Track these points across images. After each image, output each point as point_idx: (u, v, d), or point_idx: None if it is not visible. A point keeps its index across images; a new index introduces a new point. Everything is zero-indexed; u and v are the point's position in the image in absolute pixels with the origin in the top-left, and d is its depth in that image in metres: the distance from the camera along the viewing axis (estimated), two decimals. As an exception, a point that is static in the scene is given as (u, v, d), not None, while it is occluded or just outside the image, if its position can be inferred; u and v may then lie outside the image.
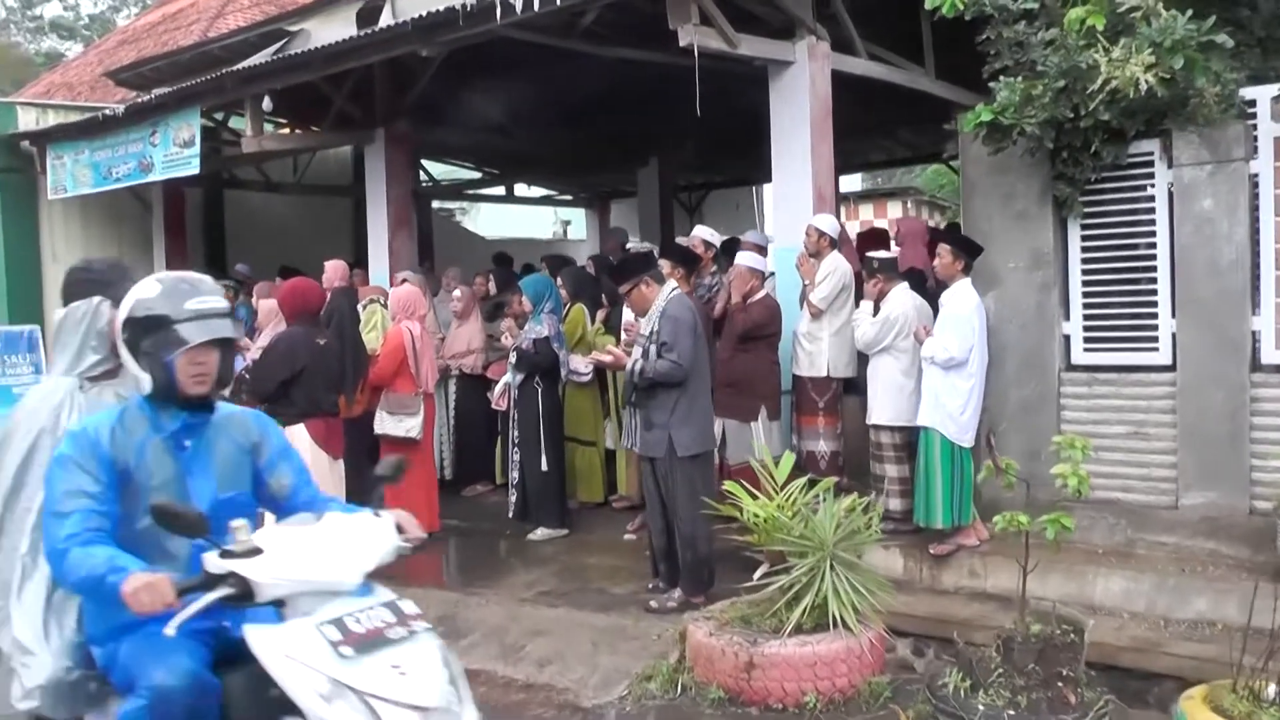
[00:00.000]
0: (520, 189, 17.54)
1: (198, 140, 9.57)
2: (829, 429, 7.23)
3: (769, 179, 18.64)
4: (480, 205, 20.48)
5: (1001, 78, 6.40)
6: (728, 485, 5.15)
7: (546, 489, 7.38)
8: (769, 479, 5.25)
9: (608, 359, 5.72)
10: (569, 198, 18.61)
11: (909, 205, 21.75)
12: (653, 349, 5.65)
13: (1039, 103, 6.13)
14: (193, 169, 9.64)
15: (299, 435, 6.43)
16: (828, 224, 7.25)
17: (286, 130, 11.31)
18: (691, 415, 5.69)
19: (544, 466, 7.30)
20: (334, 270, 9.33)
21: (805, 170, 7.48)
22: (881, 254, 6.93)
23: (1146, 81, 5.67)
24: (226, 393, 3.30)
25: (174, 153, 9.83)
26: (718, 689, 4.71)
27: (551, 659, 5.20)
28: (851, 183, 24.24)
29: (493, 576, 6.59)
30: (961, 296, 6.39)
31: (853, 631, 4.78)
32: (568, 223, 21.20)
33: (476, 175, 16.39)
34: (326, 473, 6.59)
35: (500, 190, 17.10)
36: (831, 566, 4.87)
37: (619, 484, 7.95)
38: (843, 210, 24.03)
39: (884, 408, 6.80)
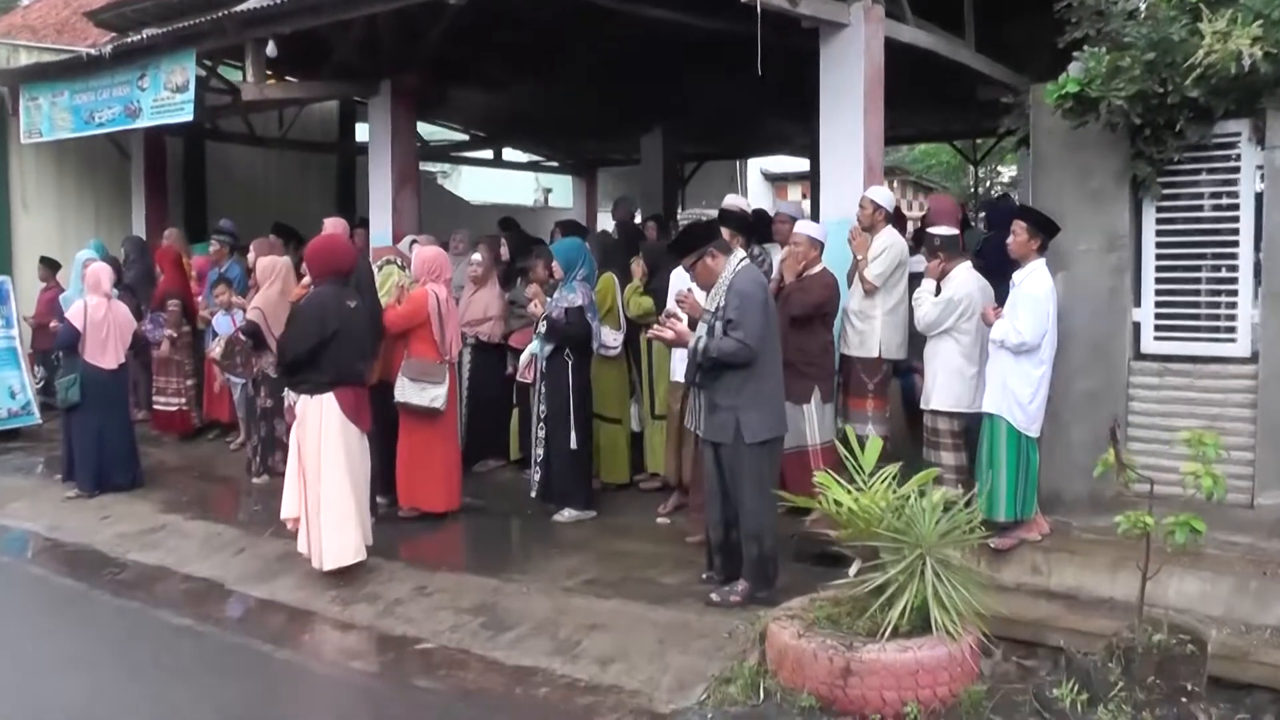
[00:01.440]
0: (506, 154, 16.99)
1: (192, 85, 8.97)
2: (878, 413, 6.87)
3: (769, 152, 18.40)
4: (461, 169, 19.87)
5: (1085, 48, 6.07)
6: (819, 477, 4.74)
7: (574, 469, 6.95)
8: (855, 466, 4.87)
9: (669, 335, 5.29)
10: (555, 164, 18.08)
11: (894, 185, 21.49)
12: (718, 326, 5.23)
13: (1127, 75, 5.78)
14: (186, 115, 9.04)
15: (328, 407, 5.96)
16: (883, 196, 6.87)
17: (272, 80, 10.74)
18: (761, 398, 5.28)
19: (573, 444, 6.87)
20: (333, 228, 8.81)
21: (856, 139, 7.11)
22: (943, 230, 6.55)
23: (1251, 56, 5.34)
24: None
25: (165, 98, 9.21)
26: (808, 696, 4.33)
27: (614, 656, 4.79)
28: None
29: (526, 562, 6.16)
30: (1036, 277, 6.04)
31: (954, 636, 4.43)
32: (549, 190, 20.67)
33: (464, 138, 15.81)
34: (355, 448, 6.11)
35: (487, 154, 16.55)
36: (927, 564, 4.50)
37: (645, 463, 7.53)
38: (799, 189, 24.04)
39: (944, 393, 6.44)
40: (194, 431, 9.82)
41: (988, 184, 20.55)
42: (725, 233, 6.06)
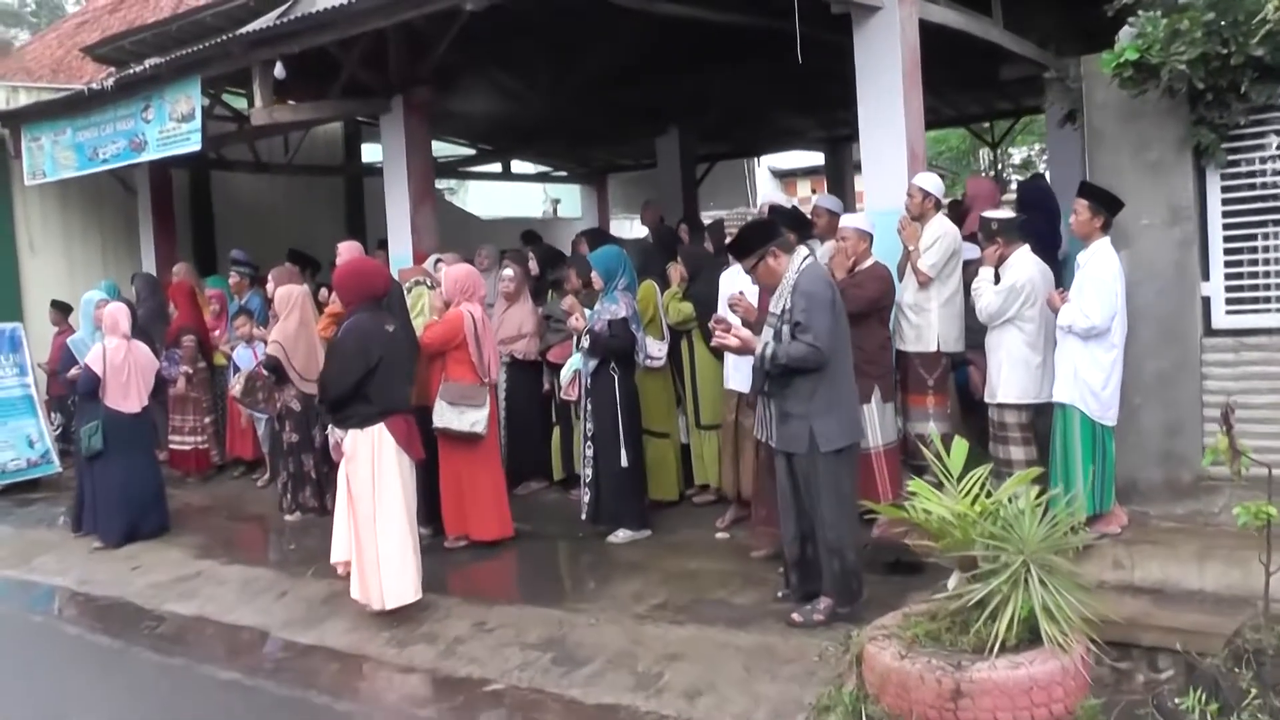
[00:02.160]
0: (514, 166, 16.73)
1: (199, 113, 8.69)
2: (939, 409, 6.56)
3: (782, 148, 18.09)
4: (468, 184, 19.60)
5: (1140, 13, 5.78)
6: (914, 485, 4.44)
7: (626, 487, 6.65)
8: (941, 469, 4.57)
9: (733, 342, 4.99)
10: (564, 174, 17.80)
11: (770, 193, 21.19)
12: (785, 329, 4.93)
13: (1188, 38, 5.49)
14: (193, 145, 8.76)
15: (381, 439, 5.65)
16: (932, 184, 6.56)
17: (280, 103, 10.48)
18: (835, 403, 4.98)
19: (623, 462, 6.57)
20: (349, 252, 8.54)
21: (898, 125, 6.80)
22: (1000, 214, 6.25)
23: (1322, 8, 5.04)
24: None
25: (171, 129, 8.94)
26: (916, 721, 4.03)
27: (701, 689, 4.48)
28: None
29: (588, 589, 5.86)
30: (1102, 257, 5.74)
31: (1064, 648, 4.11)
32: (557, 201, 20.39)
33: (470, 152, 15.54)
34: (409, 479, 5.83)
35: (495, 168, 16.28)
36: (1031, 572, 4.20)
37: (695, 476, 7.22)
38: (808, 185, 23.80)
39: (1010, 384, 6.14)
40: (213, 470, 9.54)
41: (998, 166, 20.21)
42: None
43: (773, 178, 23.13)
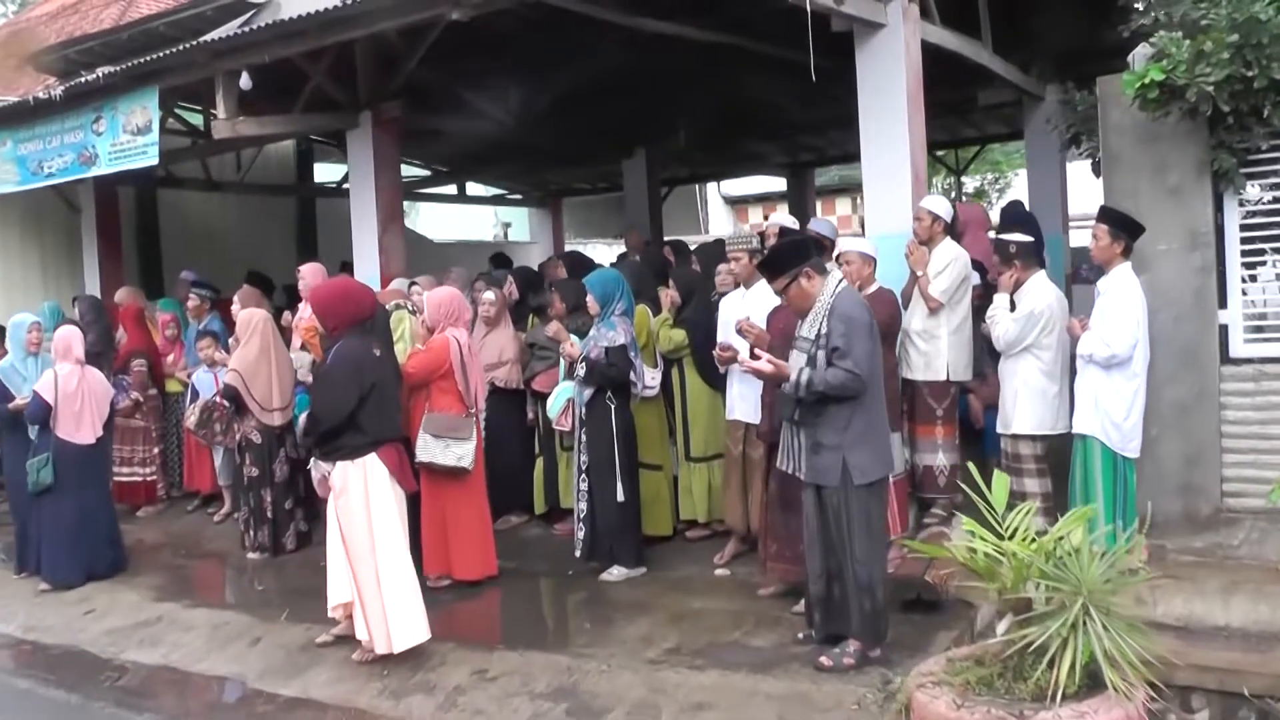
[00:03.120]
0: (469, 189, 16.36)
1: (155, 126, 8.19)
2: (948, 440, 6.35)
3: (746, 172, 17.91)
4: (419, 206, 19.15)
5: (1161, 33, 5.64)
6: (966, 524, 4.17)
7: (622, 522, 6.30)
8: (986, 506, 4.31)
9: (767, 368, 4.69)
10: (518, 197, 17.46)
11: (858, 202, 21.13)
12: (820, 355, 4.65)
13: (1214, 59, 5.35)
14: (150, 159, 8.26)
15: (374, 470, 5.26)
16: (942, 207, 6.37)
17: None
18: (869, 434, 4.72)
19: (619, 496, 6.22)
20: (314, 275, 8.13)
21: (902, 145, 6.60)
22: (1017, 237, 6.06)
23: (1350, 32, 4.93)
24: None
25: (124, 141, 8.43)
26: (979, 777, 3.73)
27: (736, 743, 4.15)
28: (779, 183, 23.60)
29: (590, 632, 5.49)
30: (1123, 284, 5.57)
31: (1126, 695, 3.86)
32: (508, 224, 20.01)
33: (425, 173, 15.13)
34: (403, 510, 5.45)
35: (450, 189, 15.90)
36: (1091, 614, 3.94)
37: (683, 511, 6.88)
38: (760, 211, 23.67)
39: (1026, 415, 5.94)
40: (162, 503, 8.99)
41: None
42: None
43: (725, 204, 22.97)
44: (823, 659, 4.72)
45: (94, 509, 7.13)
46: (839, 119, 13.06)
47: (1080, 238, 8.81)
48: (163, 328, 9.19)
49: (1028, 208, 9.38)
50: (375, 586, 5.24)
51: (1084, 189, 11.59)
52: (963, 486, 5.80)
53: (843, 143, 14.74)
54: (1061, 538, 4.16)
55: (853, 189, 21.83)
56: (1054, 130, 7.13)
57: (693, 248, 8.67)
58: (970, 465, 5.19)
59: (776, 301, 6.06)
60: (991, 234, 7.09)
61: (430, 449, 6.17)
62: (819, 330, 4.68)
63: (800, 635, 5.09)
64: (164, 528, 8.54)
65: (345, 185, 14.00)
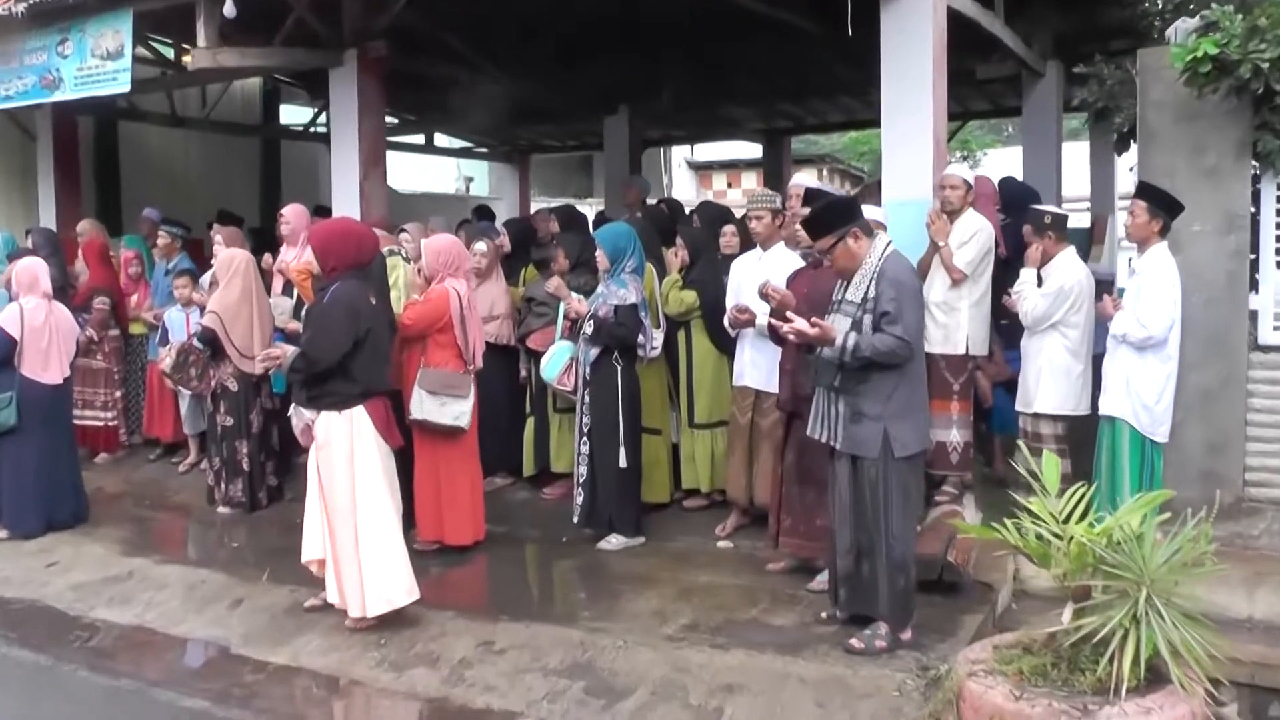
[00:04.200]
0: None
1: (128, 51, 7.69)
2: (962, 416, 6.17)
3: (724, 137, 17.59)
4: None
5: (1214, 5, 5.46)
6: (1036, 505, 3.97)
7: (623, 489, 6.05)
8: (1038, 486, 4.12)
9: (812, 331, 4.42)
10: (484, 151, 16.98)
11: (824, 173, 20.94)
12: (867, 320, 4.41)
13: (1270, 35, 5.18)
14: (121, 86, 7.74)
15: (360, 423, 4.95)
16: (970, 176, 6.15)
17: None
18: (911, 405, 4.51)
19: (622, 462, 5.96)
20: (298, 217, 7.76)
21: (925, 112, 6.32)
22: (1051, 209, 5.86)
23: None
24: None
25: (93, 66, 7.90)
26: (1036, 772, 3.55)
27: (773, 728, 3.93)
28: (750, 149, 23.34)
29: (598, 604, 5.21)
30: (1160, 263, 5.41)
31: (1189, 690, 3.70)
32: (470, 179, 19.49)
33: (393, 121, 14.58)
34: (390, 466, 5.15)
35: (418, 139, 15.40)
36: (1154, 604, 3.77)
37: (684, 479, 6.63)
38: (724, 178, 23.46)
39: (1049, 393, 5.78)
40: (123, 450, 8.54)
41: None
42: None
43: (690, 169, 22.64)
44: (853, 641, 4.51)
45: (57, 454, 6.70)
46: (823, 86, 12.88)
47: (1076, 220, 8.68)
48: (125, 265, 8.69)
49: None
50: (353, 546, 4.96)
51: (1077, 170, 11.58)
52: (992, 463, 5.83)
53: (823, 111, 14.53)
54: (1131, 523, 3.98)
55: (818, 160, 21.68)
56: (1090, 103, 6.91)
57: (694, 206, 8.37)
58: (1021, 444, 5.03)
59: (794, 265, 5.85)
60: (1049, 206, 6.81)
61: (426, 406, 5.85)
62: (865, 293, 4.44)
63: (824, 615, 4.87)
64: (124, 476, 8.10)
65: (313, 128, 13.57)
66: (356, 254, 5.13)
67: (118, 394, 8.41)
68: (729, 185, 22.65)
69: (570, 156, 20.66)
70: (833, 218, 4.52)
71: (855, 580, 4.68)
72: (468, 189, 19.39)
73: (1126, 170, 15.33)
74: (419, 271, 6.16)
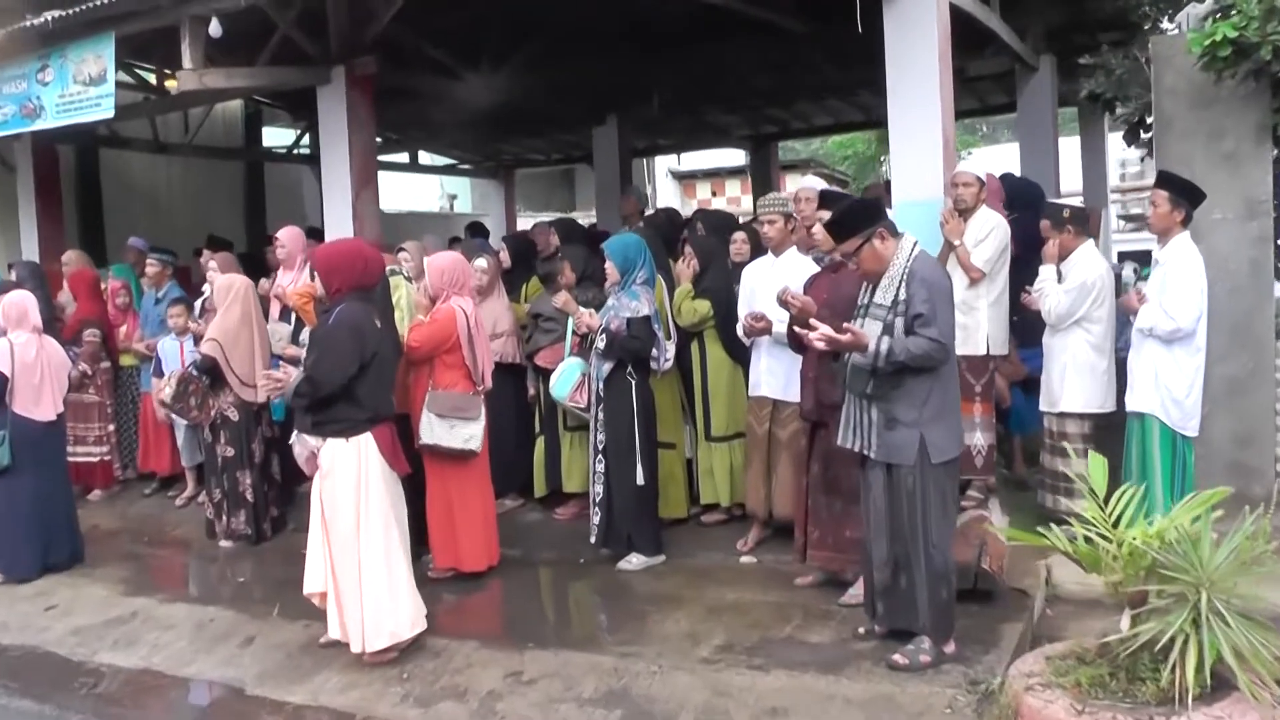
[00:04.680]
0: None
1: (111, 75, 7.48)
2: (985, 418, 6.05)
3: (709, 145, 17.47)
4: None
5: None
6: (1089, 510, 3.82)
7: (641, 507, 5.87)
8: (1088, 492, 3.97)
9: (845, 338, 4.26)
10: (468, 167, 16.81)
11: (808, 178, 20.85)
12: (898, 322, 4.26)
13: (1289, 15, 5.08)
14: (105, 112, 7.52)
15: (368, 451, 4.78)
16: (984, 171, 6.02)
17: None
18: (945, 409, 4.36)
19: (639, 479, 5.79)
20: (294, 240, 7.59)
21: (933, 109, 6.18)
22: (1071, 203, 5.74)
23: None
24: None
25: (75, 92, 7.69)
26: (1105, 790, 3.39)
27: (825, 754, 3.76)
28: (733, 157, 23.26)
29: (625, 628, 5.03)
30: (1185, 254, 5.28)
31: (1256, 697, 3.55)
32: (454, 196, 19.33)
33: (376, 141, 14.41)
34: (397, 497, 4.98)
35: (402, 157, 15.23)
36: (1216, 608, 3.62)
37: (702, 494, 6.46)
38: (708, 187, 23.37)
39: (1075, 392, 5.65)
40: (117, 485, 8.32)
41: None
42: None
43: (673, 179, 22.52)
44: (896, 657, 4.35)
45: (52, 494, 6.48)
46: (810, 88, 12.77)
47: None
48: (113, 296, 8.48)
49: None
50: (355, 578, 4.78)
51: (1069, 165, 11.48)
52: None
53: (809, 114, 14.42)
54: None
55: (802, 165, 21.56)
56: (1098, 94, 6.80)
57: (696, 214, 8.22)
58: (1070, 450, 4.89)
59: (808, 270, 5.70)
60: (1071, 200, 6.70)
61: (435, 430, 5.66)
62: (895, 296, 4.29)
63: (861, 630, 4.71)
64: (120, 512, 7.88)
65: (297, 150, 13.40)
66: (362, 275, 4.97)
67: (110, 428, 8.20)
68: (713, 194, 22.54)
69: (553, 171, 20.52)
70: (857, 219, 4.37)
71: (893, 593, 4.52)
72: (451, 206, 19.23)
73: (1117, 164, 15.32)
74: (423, 290, 5.97)
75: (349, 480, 4.79)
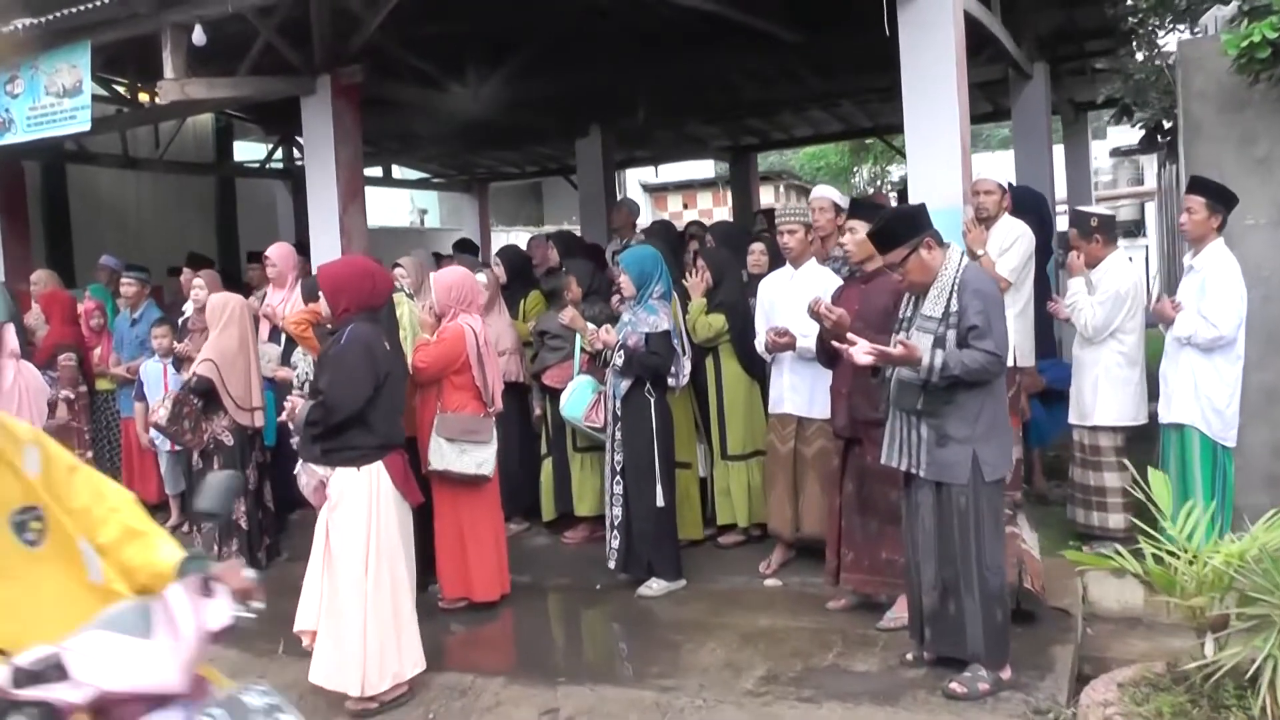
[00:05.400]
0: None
1: (86, 87, 7.17)
2: (1014, 431, 5.84)
3: (687, 156, 17.32)
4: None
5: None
6: (1175, 529, 3.64)
7: (661, 530, 5.64)
8: (1155, 508, 3.80)
9: (898, 351, 4.06)
10: (441, 181, 16.53)
11: (781, 189, 20.78)
12: (950, 335, 4.07)
13: (1326, 17, 4.97)
14: (80, 125, 7.21)
15: (379, 480, 4.52)
16: (1006, 181, 5.87)
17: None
18: (997, 425, 4.18)
19: (659, 500, 5.56)
20: (285, 258, 7.32)
21: (950, 115, 6.00)
22: (1099, 210, 5.59)
23: None
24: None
25: (47, 105, 7.36)
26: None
27: (896, 794, 3.54)
28: (704, 169, 23.15)
29: (661, 659, 4.77)
30: (1222, 259, 5.16)
31: (1348, 721, 3.38)
32: (424, 211, 19.03)
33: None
34: (409, 529, 4.73)
35: (375, 172, 14.90)
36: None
37: (719, 515, 6.24)
38: (679, 199, 23.24)
39: (1108, 405, 5.50)
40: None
41: (877, 183, 20.08)
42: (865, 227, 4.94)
43: (644, 192, 22.34)
44: (954, 685, 4.14)
45: (32, 527, 6.11)
46: (794, 99, 12.65)
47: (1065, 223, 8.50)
48: (87, 317, 8.12)
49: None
50: (359, 616, 4.47)
51: (1056, 173, 11.42)
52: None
53: (789, 126, 14.31)
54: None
55: (774, 177, 21.49)
56: (1116, 99, 6.68)
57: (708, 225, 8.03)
58: (1114, 466, 4.71)
59: (829, 281, 5.52)
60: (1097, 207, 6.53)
61: (446, 455, 5.39)
62: (947, 307, 4.10)
63: (909, 656, 4.50)
64: (100, 544, 7.49)
65: (269, 165, 13.06)
66: (370, 294, 4.71)
67: (89, 455, 7.82)
68: (684, 206, 22.40)
69: (521, 185, 20.29)
70: (903, 228, 4.18)
71: (942, 618, 4.31)
72: (422, 221, 18.94)
73: (1092, 172, 15.32)
74: (428, 308, 5.72)
75: (359, 512, 4.51)
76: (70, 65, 7.20)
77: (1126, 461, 5.54)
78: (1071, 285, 5.57)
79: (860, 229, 4.93)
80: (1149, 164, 18.87)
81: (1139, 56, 8.88)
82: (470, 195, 16.65)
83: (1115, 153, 16.37)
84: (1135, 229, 18.00)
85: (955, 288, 4.10)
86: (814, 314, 4.85)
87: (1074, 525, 5.73)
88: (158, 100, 7.06)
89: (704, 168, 22.78)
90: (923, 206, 4.42)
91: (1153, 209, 17.90)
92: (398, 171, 15.71)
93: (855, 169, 20.43)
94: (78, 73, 7.17)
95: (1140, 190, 19.39)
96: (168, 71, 6.82)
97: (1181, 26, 7.59)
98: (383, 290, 4.84)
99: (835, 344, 4.48)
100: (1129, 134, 19.01)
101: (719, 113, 13.01)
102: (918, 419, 4.16)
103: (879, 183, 20.02)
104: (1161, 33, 8.50)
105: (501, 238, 17.42)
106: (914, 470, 4.23)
